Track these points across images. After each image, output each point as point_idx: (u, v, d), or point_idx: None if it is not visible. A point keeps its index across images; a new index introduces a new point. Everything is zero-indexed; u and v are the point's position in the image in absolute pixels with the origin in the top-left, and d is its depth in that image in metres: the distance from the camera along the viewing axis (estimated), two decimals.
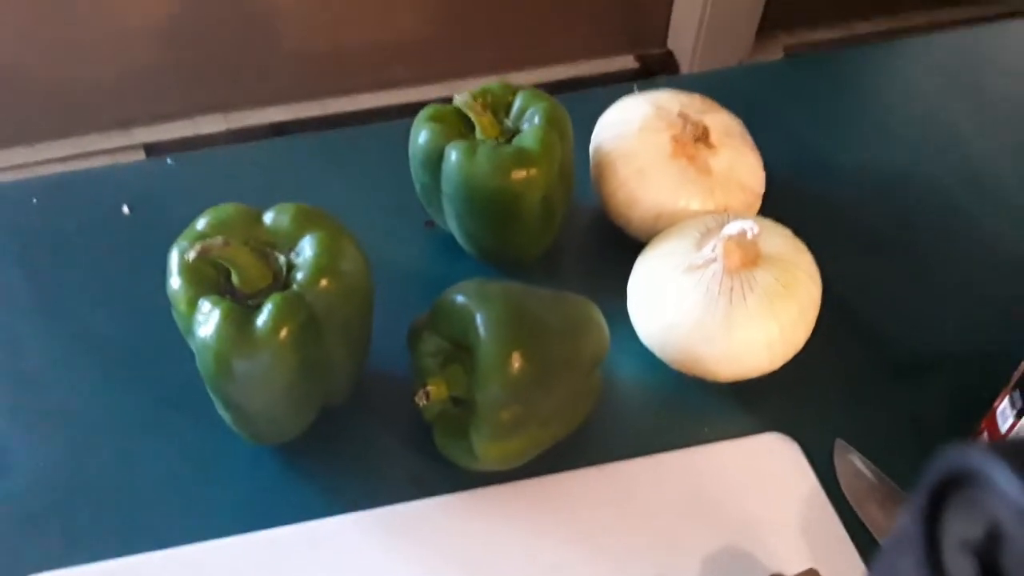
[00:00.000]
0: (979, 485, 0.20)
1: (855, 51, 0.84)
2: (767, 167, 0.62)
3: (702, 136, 0.60)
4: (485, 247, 0.60)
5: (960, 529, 0.21)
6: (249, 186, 0.67)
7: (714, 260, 0.53)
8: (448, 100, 0.58)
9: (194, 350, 0.47)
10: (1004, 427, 0.50)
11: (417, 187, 0.60)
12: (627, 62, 1.70)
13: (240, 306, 0.46)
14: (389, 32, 1.55)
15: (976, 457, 0.20)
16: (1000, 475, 0.20)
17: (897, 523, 0.24)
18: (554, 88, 0.60)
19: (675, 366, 0.55)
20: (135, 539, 0.49)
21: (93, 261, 0.62)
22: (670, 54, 1.72)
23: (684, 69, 1.69)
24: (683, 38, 1.68)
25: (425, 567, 0.48)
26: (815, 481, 0.52)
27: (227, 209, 0.49)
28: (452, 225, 0.60)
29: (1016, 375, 0.50)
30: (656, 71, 1.68)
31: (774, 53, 1.70)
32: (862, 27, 1.73)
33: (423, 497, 0.51)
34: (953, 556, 0.21)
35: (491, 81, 0.60)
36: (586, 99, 0.68)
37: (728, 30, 1.64)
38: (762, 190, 0.62)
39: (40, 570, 0.48)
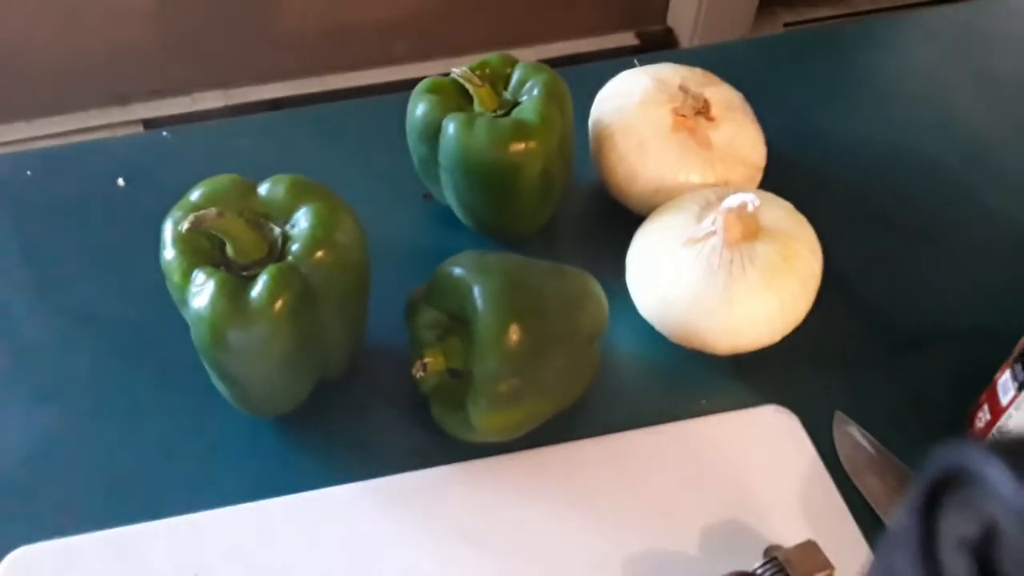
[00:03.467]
0: (975, 483, 0.20)
1: (857, 25, 0.84)
2: (768, 141, 0.62)
3: (703, 109, 0.60)
4: (483, 220, 0.60)
5: (956, 527, 0.21)
6: (246, 159, 0.66)
7: (714, 233, 0.52)
8: (447, 75, 0.57)
9: (189, 322, 0.47)
10: (1005, 400, 0.49)
11: (415, 160, 0.60)
12: (627, 38, 1.69)
13: (235, 277, 0.45)
14: (389, 8, 1.54)
15: (972, 455, 0.20)
16: (996, 474, 0.20)
17: (893, 520, 0.24)
18: (553, 64, 0.59)
19: (674, 339, 0.55)
20: (130, 512, 0.49)
21: (88, 234, 0.62)
22: (670, 31, 1.71)
23: (684, 46, 1.68)
24: (683, 14, 1.67)
25: (422, 538, 0.48)
26: (814, 453, 0.52)
27: (222, 180, 0.49)
28: (450, 198, 0.59)
29: (1017, 348, 0.49)
30: (656, 47, 1.67)
31: (774, 30, 1.69)
32: (862, 3, 1.72)
33: (420, 468, 0.51)
34: (949, 554, 0.21)
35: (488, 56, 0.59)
36: (586, 73, 0.67)
37: (728, 6, 1.63)
38: (763, 164, 0.61)
39: (33, 540, 0.47)
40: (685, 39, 1.67)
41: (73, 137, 1.43)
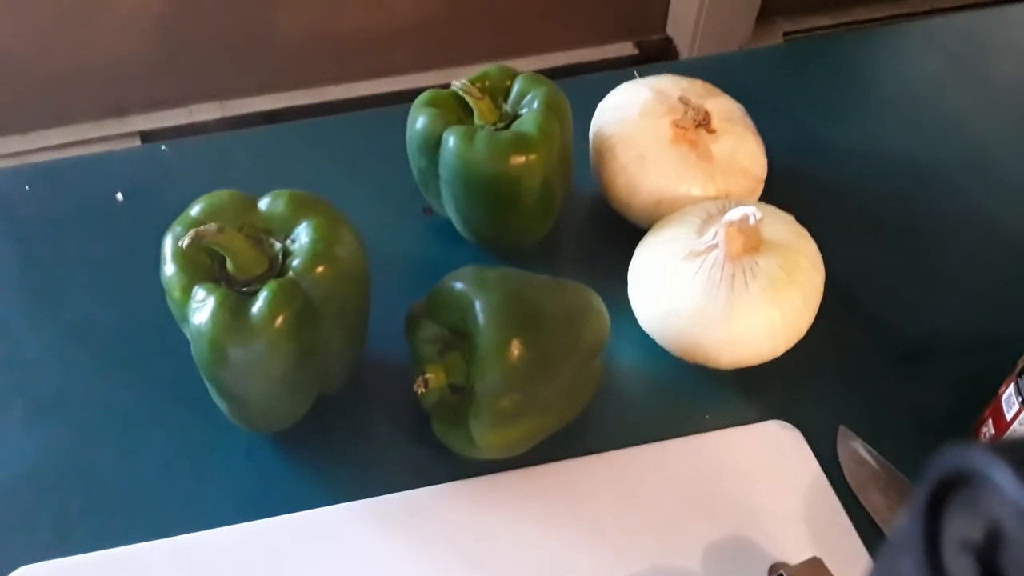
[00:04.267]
0: (979, 485, 0.20)
1: (856, 35, 0.84)
2: (768, 152, 0.61)
3: (703, 121, 0.60)
4: (484, 233, 0.60)
5: (960, 529, 0.21)
6: (244, 173, 0.66)
7: (716, 246, 0.52)
8: (446, 86, 0.57)
9: (189, 338, 0.46)
10: (1009, 414, 0.49)
11: (415, 173, 0.59)
12: (626, 48, 1.70)
13: (235, 293, 0.45)
14: (387, 19, 1.54)
15: (976, 457, 0.20)
16: (1000, 475, 0.19)
17: (897, 523, 0.24)
18: (552, 75, 0.59)
19: (676, 353, 0.55)
20: (130, 529, 0.48)
21: (86, 248, 0.61)
22: (669, 40, 1.71)
23: (683, 56, 1.68)
24: (682, 24, 1.67)
25: (423, 556, 0.48)
26: (818, 469, 0.52)
27: (222, 195, 0.49)
28: (450, 211, 0.59)
29: (1021, 362, 0.49)
30: (655, 58, 1.68)
31: (773, 40, 1.69)
32: (861, 13, 1.72)
33: (421, 486, 0.51)
34: (953, 556, 0.21)
35: (487, 68, 0.59)
36: (585, 84, 0.67)
37: (727, 16, 1.63)
38: (764, 175, 0.61)
39: (33, 561, 0.47)
40: (684, 49, 1.68)
41: (69, 150, 1.43)
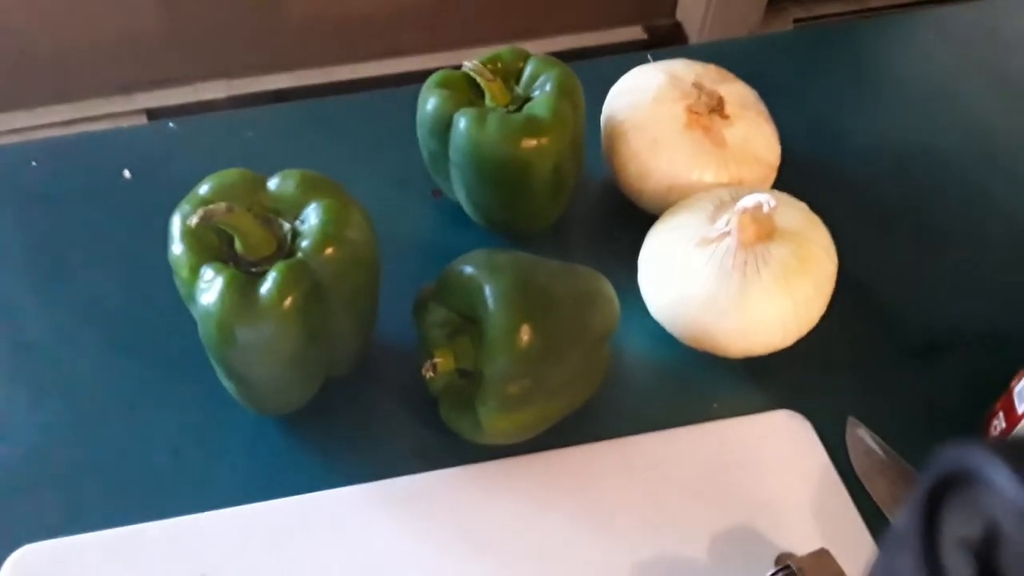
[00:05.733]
0: (978, 484, 0.20)
1: (870, 22, 0.83)
2: (780, 139, 0.61)
3: (717, 107, 0.59)
4: (494, 217, 0.59)
5: (958, 528, 0.21)
6: (252, 152, 0.66)
7: (728, 234, 0.52)
8: (456, 68, 0.57)
9: (196, 318, 0.46)
10: (1021, 408, 0.49)
11: (424, 155, 0.59)
12: (635, 33, 1.68)
13: (244, 273, 0.45)
14: None
15: (975, 456, 0.20)
16: (999, 475, 0.20)
17: (896, 521, 0.24)
18: (560, 58, 0.58)
19: (686, 341, 0.54)
20: (134, 510, 0.48)
21: (93, 226, 0.61)
22: (679, 25, 1.70)
23: (693, 41, 1.67)
24: (692, 9, 1.66)
25: (429, 541, 0.48)
26: (826, 459, 0.51)
27: (231, 174, 0.48)
28: (460, 194, 0.59)
29: None
30: (664, 42, 1.66)
31: (784, 26, 1.68)
32: (873, 0, 1.71)
33: (428, 470, 0.50)
34: (951, 555, 0.21)
35: (498, 50, 0.58)
36: (597, 68, 0.67)
37: (738, 1, 1.62)
38: (777, 163, 0.60)
39: (37, 539, 0.47)
40: (694, 34, 1.66)
41: (75, 126, 1.43)
